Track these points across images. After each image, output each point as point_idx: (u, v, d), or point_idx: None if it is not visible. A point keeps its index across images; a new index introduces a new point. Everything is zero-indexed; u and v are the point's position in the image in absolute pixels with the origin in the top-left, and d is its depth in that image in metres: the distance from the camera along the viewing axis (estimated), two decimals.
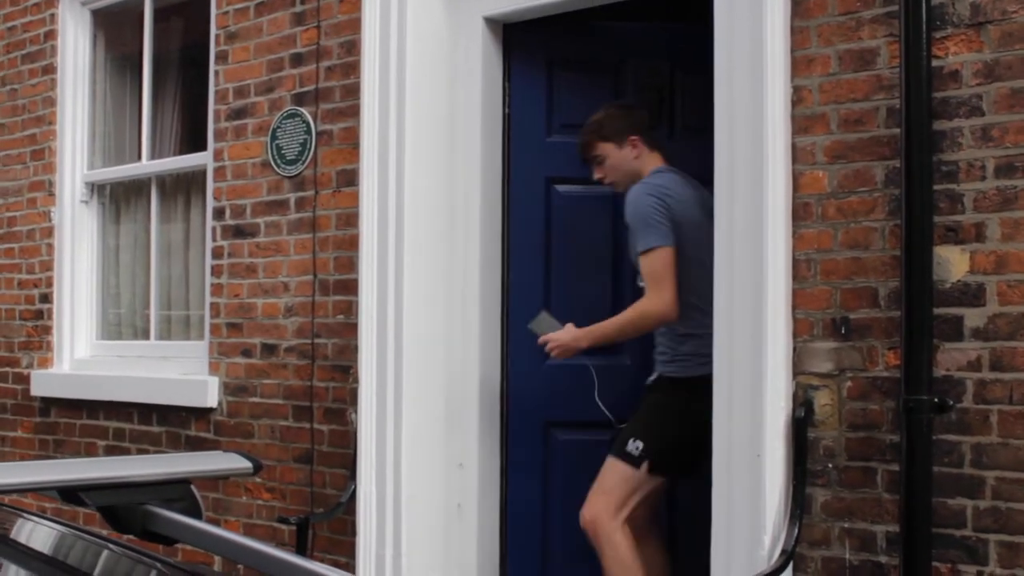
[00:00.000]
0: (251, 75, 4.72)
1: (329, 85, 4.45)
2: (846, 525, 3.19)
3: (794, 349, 3.29)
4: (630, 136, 3.82)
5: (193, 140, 5.28)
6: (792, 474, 3.25)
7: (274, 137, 4.60)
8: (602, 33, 4.08)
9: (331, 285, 4.41)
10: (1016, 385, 2.93)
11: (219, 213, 4.82)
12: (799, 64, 3.30)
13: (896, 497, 3.09)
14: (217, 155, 4.85)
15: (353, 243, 4.30)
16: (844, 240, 3.21)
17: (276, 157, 4.60)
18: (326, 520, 4.29)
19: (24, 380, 5.68)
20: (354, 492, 4.20)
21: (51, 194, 5.63)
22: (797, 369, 3.28)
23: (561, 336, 3.75)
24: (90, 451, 5.33)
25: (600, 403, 3.91)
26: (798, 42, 3.30)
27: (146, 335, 5.45)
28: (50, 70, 5.67)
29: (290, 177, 4.56)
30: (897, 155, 3.11)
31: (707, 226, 3.53)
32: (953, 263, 3.03)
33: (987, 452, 2.97)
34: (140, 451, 5.08)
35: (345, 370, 4.35)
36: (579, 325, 3.79)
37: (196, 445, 4.84)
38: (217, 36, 4.87)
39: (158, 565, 1.77)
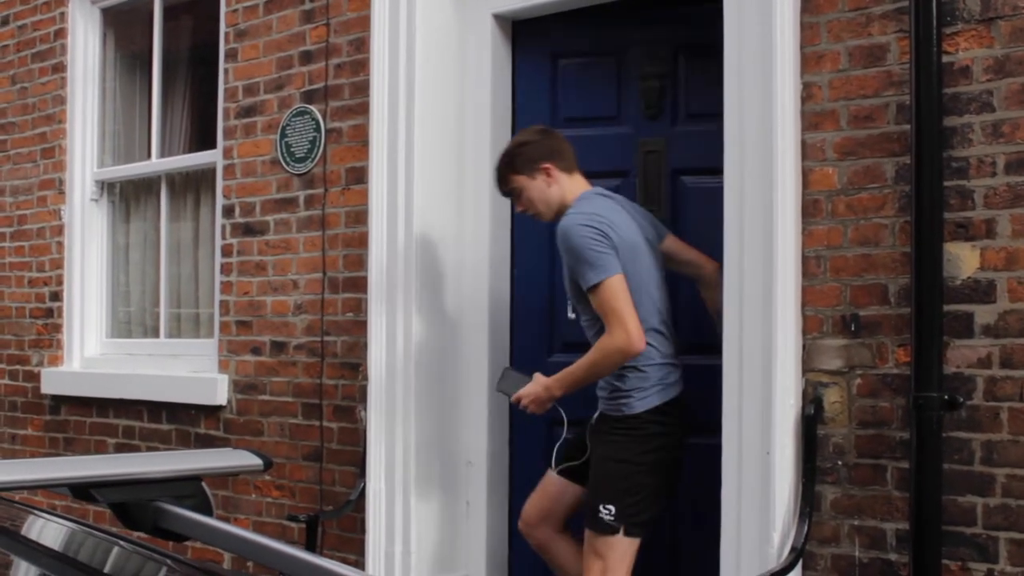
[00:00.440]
0: (260, 73, 4.73)
1: (338, 82, 4.45)
2: (856, 522, 3.18)
3: (804, 346, 3.29)
4: (542, 165, 3.57)
5: (202, 138, 5.29)
6: (802, 471, 3.24)
7: (283, 135, 4.61)
8: (606, 24, 4.07)
9: (340, 283, 4.42)
10: None
11: (228, 211, 4.83)
12: (809, 60, 3.30)
13: (906, 494, 3.08)
14: (227, 153, 4.85)
15: (362, 241, 4.30)
16: (854, 237, 3.21)
17: (285, 155, 4.60)
18: (335, 518, 4.30)
19: (34, 378, 5.69)
20: (363, 489, 4.20)
21: (61, 192, 5.64)
22: (807, 366, 3.28)
23: (533, 389, 3.54)
24: (100, 449, 5.34)
25: (556, 454, 3.77)
26: (808, 38, 3.30)
27: (156, 333, 5.46)
28: (60, 69, 5.68)
29: (299, 175, 4.57)
30: (907, 151, 3.10)
31: (644, 248, 3.47)
32: (963, 260, 3.02)
33: (997, 449, 2.96)
34: (150, 449, 5.09)
35: (354, 368, 4.35)
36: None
37: (206, 443, 4.85)
38: (226, 34, 4.88)
39: (168, 562, 1.78)
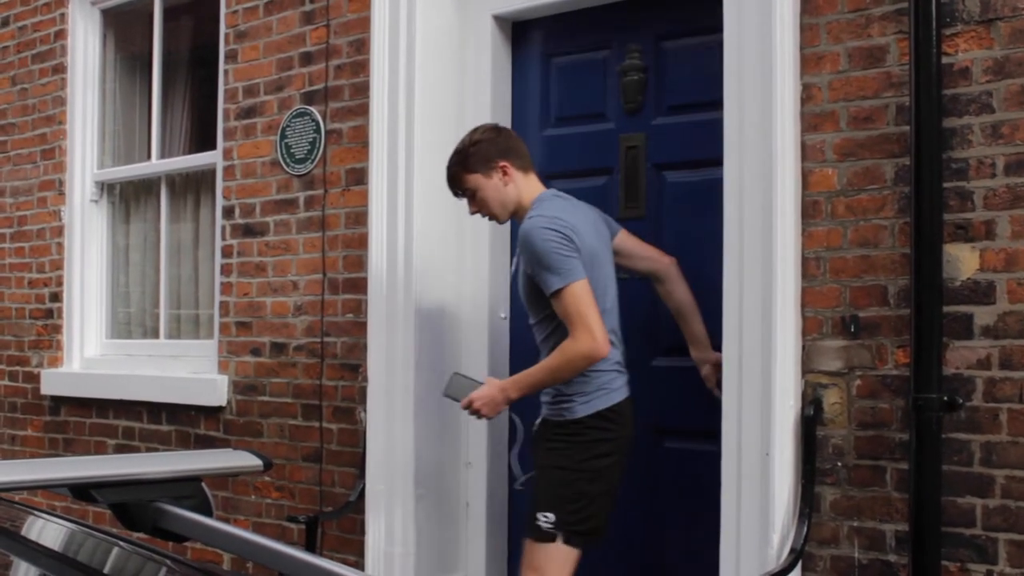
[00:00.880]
0: (260, 74, 4.73)
1: (338, 84, 4.45)
2: (855, 524, 3.19)
3: (803, 347, 3.29)
4: (498, 163, 3.45)
5: (202, 139, 5.29)
6: (801, 472, 3.25)
7: (283, 136, 4.61)
8: (597, 21, 4.06)
9: (340, 284, 4.42)
10: None
11: (228, 212, 4.83)
12: (808, 61, 3.30)
13: (905, 496, 3.08)
14: (226, 154, 4.86)
15: (362, 242, 4.30)
16: (853, 238, 3.21)
17: (285, 156, 4.61)
18: (335, 519, 4.30)
19: (34, 379, 5.70)
20: (363, 491, 4.20)
21: (61, 193, 5.65)
22: (806, 367, 3.28)
23: (487, 391, 3.41)
24: (100, 450, 5.34)
25: (514, 463, 3.74)
26: (807, 39, 3.30)
27: (156, 334, 5.46)
28: (60, 69, 5.68)
29: (299, 176, 4.57)
30: (907, 153, 3.11)
31: (603, 255, 3.42)
32: (963, 261, 3.02)
33: (997, 451, 2.96)
34: (150, 450, 5.09)
35: (354, 369, 4.35)
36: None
37: (205, 444, 4.85)
38: (226, 35, 4.88)
39: (168, 562, 1.78)
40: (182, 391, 4.97)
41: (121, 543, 1.84)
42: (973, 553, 2.98)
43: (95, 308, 5.62)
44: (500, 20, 4.23)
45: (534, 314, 3.45)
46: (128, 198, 5.66)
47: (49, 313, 5.67)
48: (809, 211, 3.29)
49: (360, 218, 4.34)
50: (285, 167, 4.61)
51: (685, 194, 3.84)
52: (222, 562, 4.39)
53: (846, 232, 3.22)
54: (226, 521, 1.62)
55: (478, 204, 3.53)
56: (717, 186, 3.65)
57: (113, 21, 5.75)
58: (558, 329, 3.33)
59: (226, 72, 4.87)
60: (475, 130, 3.59)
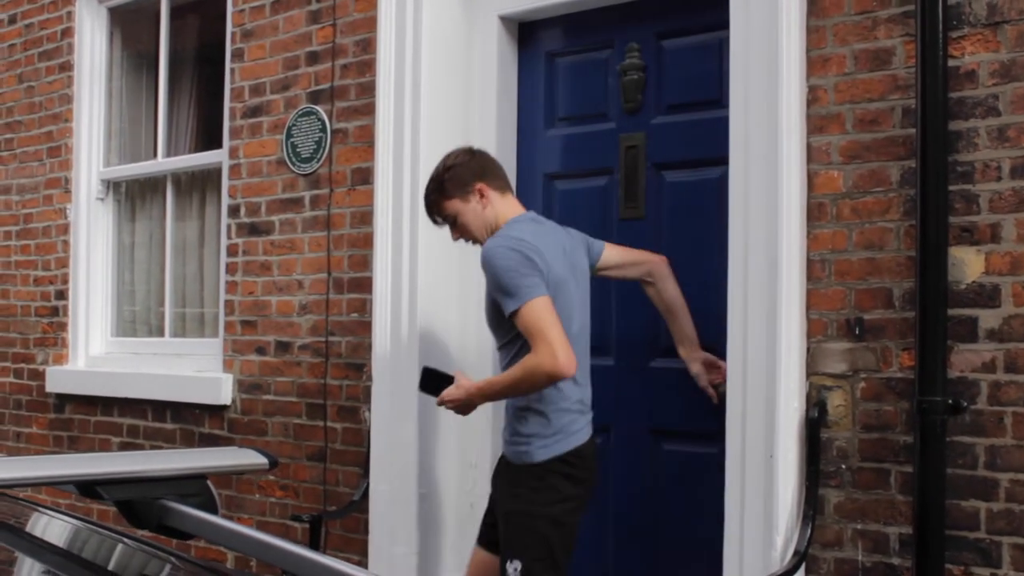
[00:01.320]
0: (267, 73, 4.74)
1: (344, 83, 4.46)
2: (859, 526, 3.18)
3: (808, 349, 3.29)
4: (475, 186, 3.36)
5: (208, 138, 5.30)
6: (805, 475, 3.25)
7: (289, 135, 4.62)
8: (600, 21, 4.05)
9: (345, 283, 4.42)
10: None
11: (234, 211, 4.83)
12: (815, 63, 3.30)
13: (909, 499, 3.08)
14: (232, 153, 4.86)
15: (367, 241, 4.31)
16: (859, 240, 3.21)
17: (291, 155, 4.61)
18: (339, 518, 4.31)
19: (39, 376, 5.71)
20: (367, 490, 4.21)
21: (67, 191, 5.66)
22: (811, 370, 3.28)
23: (455, 393, 3.34)
24: (104, 448, 5.35)
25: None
26: (814, 41, 3.30)
27: (161, 332, 5.47)
28: (67, 68, 5.69)
29: (305, 175, 4.57)
30: (912, 155, 3.11)
31: (570, 285, 3.30)
32: (968, 264, 3.02)
33: (1001, 454, 2.96)
34: (154, 448, 5.09)
35: (359, 368, 4.36)
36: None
37: (210, 442, 4.86)
38: (233, 34, 4.89)
39: (172, 559, 1.78)
40: (187, 389, 4.98)
41: (126, 540, 1.84)
42: (977, 556, 2.98)
43: (100, 306, 5.63)
44: (506, 20, 4.23)
45: (498, 338, 3.34)
46: (134, 196, 5.66)
47: (54, 311, 5.68)
48: (814, 213, 3.29)
49: (365, 217, 4.34)
50: (291, 166, 4.62)
51: (684, 194, 3.84)
52: (226, 560, 4.40)
53: (851, 234, 3.22)
54: (230, 520, 1.63)
55: (460, 230, 3.43)
56: (716, 186, 3.66)
57: (120, 19, 5.76)
58: (520, 353, 3.20)
59: (232, 71, 4.88)
60: (448, 155, 3.47)
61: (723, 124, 3.50)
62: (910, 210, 3.11)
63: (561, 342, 3.08)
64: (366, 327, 4.30)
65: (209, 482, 1.68)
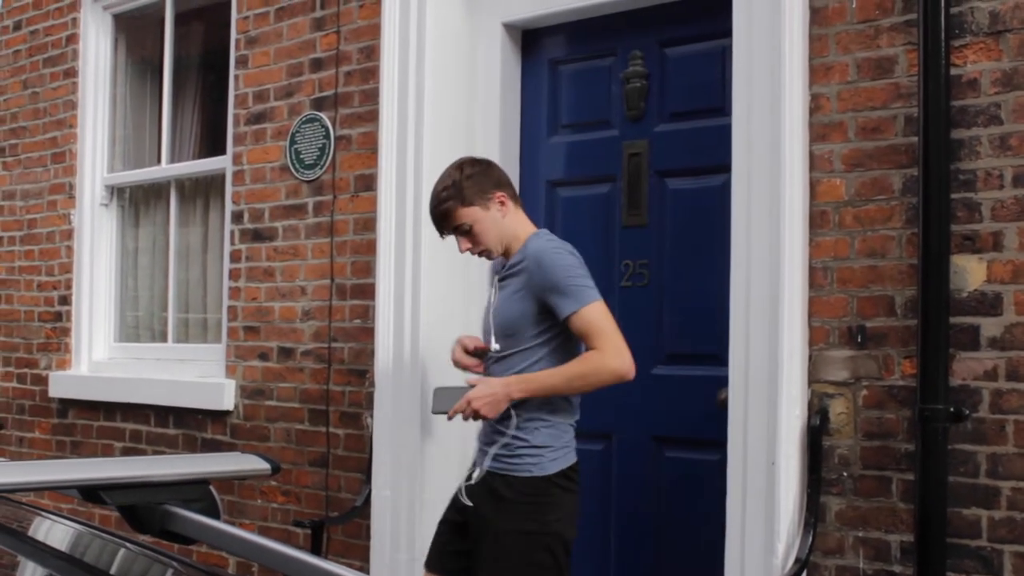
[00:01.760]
0: (271, 80, 4.75)
1: (348, 90, 4.47)
2: (860, 534, 3.18)
3: (810, 357, 3.29)
4: (496, 194, 3.22)
5: (212, 144, 5.31)
6: (807, 482, 3.25)
7: (293, 141, 4.63)
8: (604, 28, 4.06)
9: (348, 289, 4.43)
10: None
11: (237, 217, 4.84)
12: (817, 72, 3.31)
13: (911, 506, 3.08)
14: (236, 159, 4.87)
15: (371, 248, 4.31)
16: (861, 248, 3.21)
17: (295, 161, 4.62)
18: (341, 524, 4.31)
19: (42, 381, 5.71)
20: (369, 496, 4.21)
21: (71, 197, 5.67)
22: (813, 377, 3.28)
23: (485, 390, 3.12)
24: (107, 453, 5.35)
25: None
26: (816, 50, 3.31)
27: (163, 338, 5.48)
28: (71, 74, 5.71)
29: (308, 181, 4.58)
30: (915, 163, 3.11)
31: None
32: (970, 272, 3.02)
33: (1003, 462, 2.96)
34: (156, 453, 5.10)
35: (361, 374, 4.36)
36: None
37: (212, 448, 4.86)
38: (237, 41, 4.90)
39: (174, 564, 1.78)
40: (189, 395, 4.99)
41: (128, 545, 1.84)
42: (978, 564, 2.98)
43: (104, 311, 5.64)
44: (510, 28, 4.24)
45: (516, 343, 3.16)
46: (137, 202, 5.68)
47: (58, 316, 5.69)
48: (817, 221, 3.29)
49: (369, 224, 4.35)
50: (294, 172, 4.63)
51: (687, 201, 3.84)
52: (227, 565, 4.40)
53: (854, 242, 3.23)
54: (232, 525, 1.63)
55: (473, 239, 3.24)
56: (719, 193, 3.67)
57: (125, 26, 5.77)
58: (541, 361, 3.13)
59: (236, 77, 4.89)
60: (460, 164, 3.30)
61: (726, 132, 3.51)
62: (912, 218, 3.12)
63: (626, 345, 3.07)
64: (369, 333, 4.30)
65: (211, 487, 1.68)
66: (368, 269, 4.34)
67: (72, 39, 5.72)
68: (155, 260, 5.60)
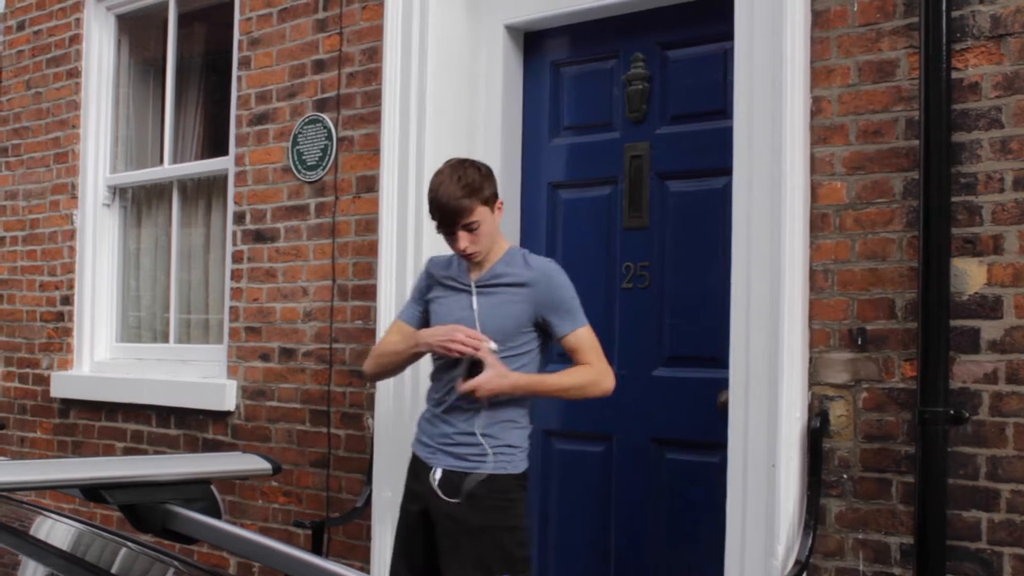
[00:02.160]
0: (273, 81, 4.75)
1: (350, 91, 4.48)
2: (860, 536, 3.19)
3: (810, 359, 3.29)
4: (499, 200, 3.29)
5: (215, 145, 5.32)
6: (807, 484, 3.25)
7: (295, 143, 4.64)
8: (606, 30, 4.07)
9: (350, 290, 4.43)
10: None
11: (239, 218, 4.85)
12: (818, 75, 3.31)
13: (911, 509, 3.09)
14: (238, 160, 4.88)
15: (372, 249, 4.32)
16: (861, 251, 3.22)
17: (297, 163, 4.63)
18: (342, 524, 4.31)
19: (44, 381, 5.72)
20: (370, 497, 4.21)
21: (74, 197, 5.68)
22: (813, 379, 3.29)
23: (497, 382, 3.16)
24: (108, 453, 5.36)
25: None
26: (818, 53, 3.31)
27: (165, 338, 5.48)
28: (75, 74, 5.72)
29: (310, 183, 4.59)
30: (915, 167, 3.12)
31: None
32: (970, 275, 3.03)
33: (1003, 465, 2.96)
34: (158, 453, 5.10)
35: (362, 375, 4.36)
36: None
37: (213, 448, 4.86)
38: (240, 42, 4.91)
39: (175, 563, 1.79)
40: (191, 395, 4.99)
41: (129, 544, 1.85)
42: (978, 567, 2.98)
43: (106, 311, 5.65)
44: (512, 30, 4.25)
45: (514, 349, 3.24)
46: (140, 202, 5.69)
47: (60, 316, 5.70)
48: (818, 223, 3.30)
49: (370, 225, 4.35)
50: (296, 174, 4.64)
51: (688, 203, 3.85)
52: (228, 565, 4.40)
53: (854, 245, 3.23)
54: (233, 525, 1.63)
55: (474, 239, 3.22)
56: (720, 195, 3.67)
57: (128, 26, 5.78)
58: (524, 368, 3.24)
59: (239, 78, 4.90)
60: (469, 164, 3.28)
61: (727, 134, 3.52)
62: (913, 221, 3.12)
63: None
64: (370, 334, 4.31)
65: (213, 487, 1.69)
66: (370, 270, 4.34)
67: (75, 39, 5.73)
68: (157, 260, 5.61)
